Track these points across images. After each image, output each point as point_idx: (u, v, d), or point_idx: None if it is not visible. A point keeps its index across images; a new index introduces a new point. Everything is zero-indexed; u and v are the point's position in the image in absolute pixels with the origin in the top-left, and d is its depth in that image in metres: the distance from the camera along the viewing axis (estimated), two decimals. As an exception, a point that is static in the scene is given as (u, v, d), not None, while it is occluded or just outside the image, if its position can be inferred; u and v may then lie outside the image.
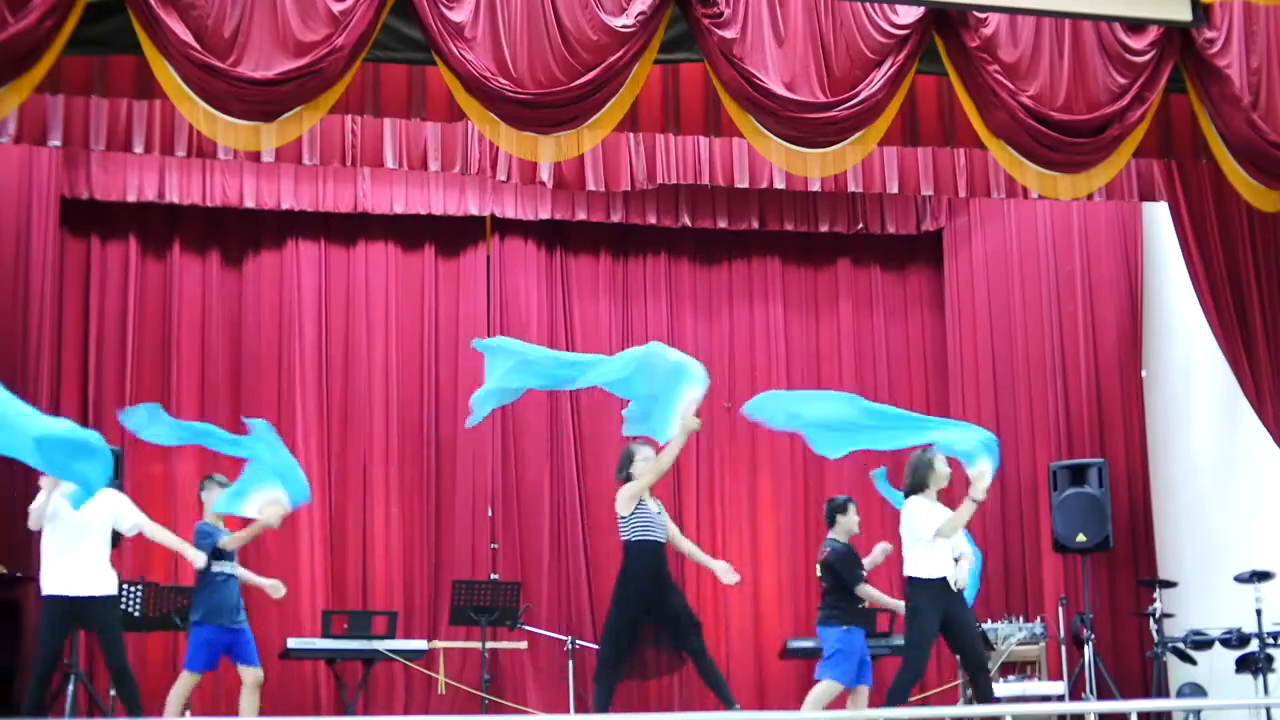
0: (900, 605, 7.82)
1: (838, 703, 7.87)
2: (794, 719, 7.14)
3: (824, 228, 11.55)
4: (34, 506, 7.32)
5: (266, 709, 9.86)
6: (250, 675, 7.83)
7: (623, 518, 7.39)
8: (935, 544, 7.45)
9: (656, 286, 11.56)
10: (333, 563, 10.50)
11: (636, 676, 7.62)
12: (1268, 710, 8.45)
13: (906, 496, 7.66)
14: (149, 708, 9.64)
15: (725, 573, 7.58)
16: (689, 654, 7.36)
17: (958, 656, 8.10)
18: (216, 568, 7.69)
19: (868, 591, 8.02)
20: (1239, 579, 8.84)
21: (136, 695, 7.44)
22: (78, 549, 7.32)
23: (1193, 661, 9.29)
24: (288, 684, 10.00)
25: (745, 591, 11.18)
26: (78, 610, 7.31)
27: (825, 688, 7.81)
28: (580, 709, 9.74)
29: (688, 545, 7.76)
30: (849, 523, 8.19)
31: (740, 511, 11.39)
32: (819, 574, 8.15)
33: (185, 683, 7.85)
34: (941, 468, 7.64)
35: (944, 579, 7.43)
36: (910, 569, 7.47)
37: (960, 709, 7.71)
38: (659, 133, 8.90)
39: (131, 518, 7.60)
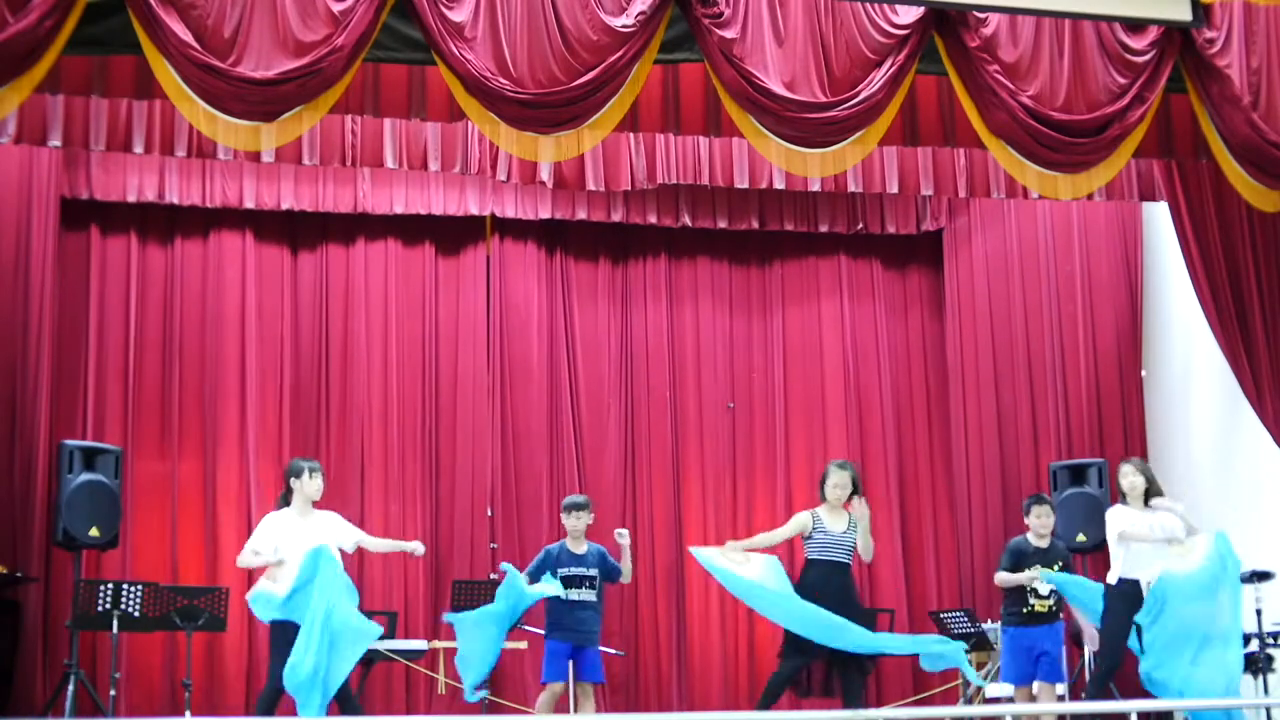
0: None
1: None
2: (794, 719, 7.13)
3: (824, 228, 11.56)
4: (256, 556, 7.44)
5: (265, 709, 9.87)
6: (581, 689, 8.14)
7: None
8: (1128, 550, 7.87)
9: (656, 286, 11.57)
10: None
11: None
12: (1268, 710, 8.44)
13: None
14: (148, 708, 9.67)
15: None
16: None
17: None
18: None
19: (1002, 578, 8.29)
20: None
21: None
22: None
23: (1193, 661, 9.27)
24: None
25: (745, 591, 11.18)
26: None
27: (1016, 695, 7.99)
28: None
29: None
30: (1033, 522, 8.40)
31: (739, 511, 11.37)
32: None
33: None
34: (1123, 481, 8.05)
35: (1135, 582, 7.82)
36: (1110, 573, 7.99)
37: (960, 709, 7.70)
38: (659, 133, 8.89)
39: (351, 536, 7.72)
